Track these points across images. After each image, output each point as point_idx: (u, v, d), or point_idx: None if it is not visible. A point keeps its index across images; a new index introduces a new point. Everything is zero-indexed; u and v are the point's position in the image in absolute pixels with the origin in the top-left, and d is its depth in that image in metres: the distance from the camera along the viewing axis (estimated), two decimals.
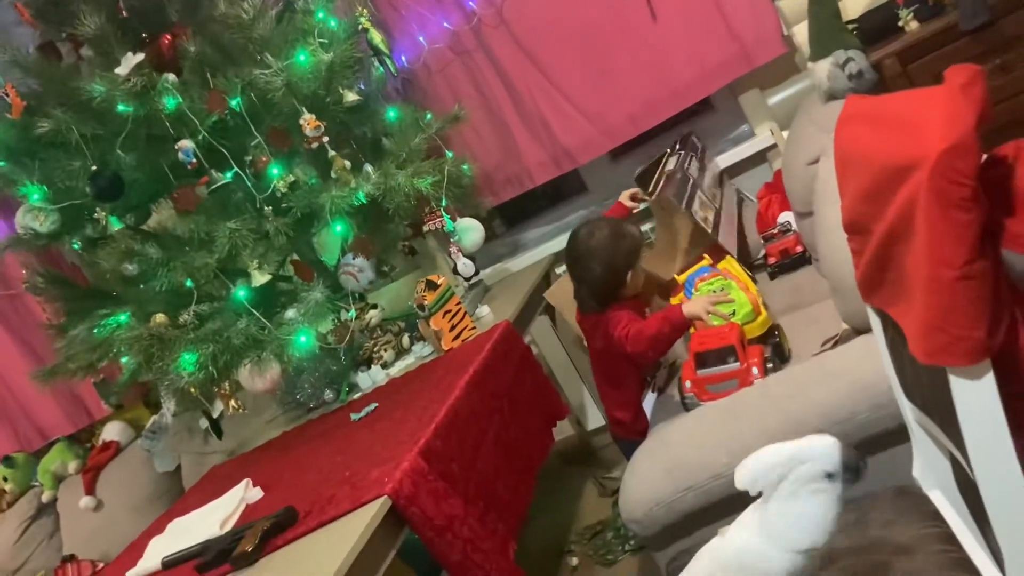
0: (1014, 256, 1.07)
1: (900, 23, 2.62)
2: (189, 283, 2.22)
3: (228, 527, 1.89)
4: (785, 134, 2.97)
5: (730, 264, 2.33)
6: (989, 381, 1.02)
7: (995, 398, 1.03)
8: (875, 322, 1.44)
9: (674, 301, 2.19)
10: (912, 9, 2.59)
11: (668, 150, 2.80)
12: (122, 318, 2.25)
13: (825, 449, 1.19)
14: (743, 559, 1.25)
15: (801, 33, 2.83)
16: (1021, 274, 1.14)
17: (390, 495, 1.58)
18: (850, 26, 2.67)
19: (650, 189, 2.55)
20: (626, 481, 1.74)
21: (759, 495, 1.25)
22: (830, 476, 1.18)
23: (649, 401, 2.33)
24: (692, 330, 2.08)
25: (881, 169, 1.15)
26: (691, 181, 2.62)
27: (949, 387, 1.08)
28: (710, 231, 2.50)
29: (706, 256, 2.33)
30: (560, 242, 3.19)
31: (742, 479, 1.23)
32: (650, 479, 1.69)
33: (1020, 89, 2.47)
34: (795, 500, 1.18)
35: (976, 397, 1.04)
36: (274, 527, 1.68)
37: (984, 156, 1.03)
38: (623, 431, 2.38)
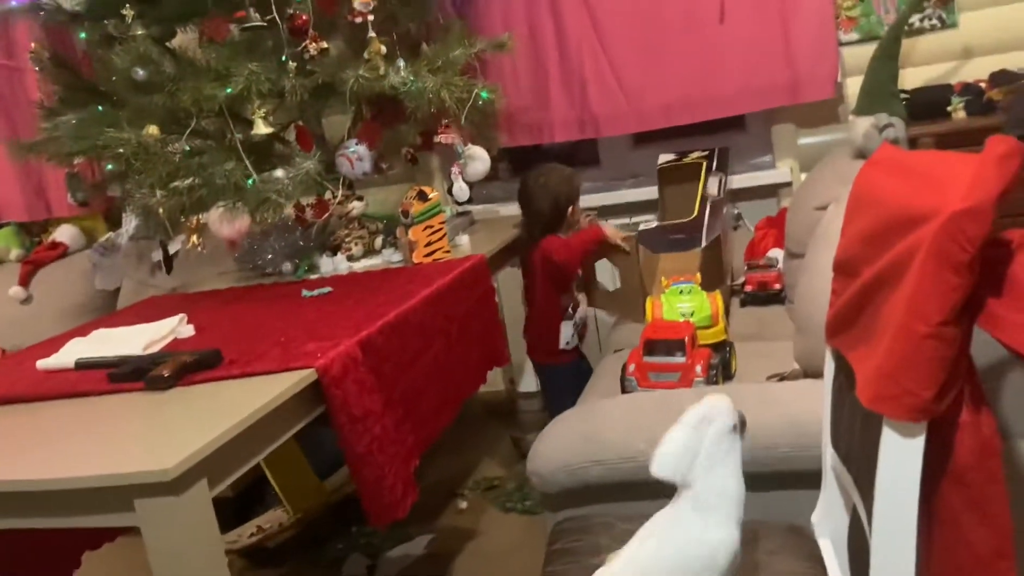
0: (983, 338, 1.09)
1: (949, 108, 2.64)
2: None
3: (151, 351, 1.88)
4: (803, 176, 2.99)
5: None
6: (919, 442, 1.04)
7: (918, 460, 1.05)
8: (829, 364, 1.46)
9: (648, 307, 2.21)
10: (965, 99, 2.61)
11: (704, 160, 2.78)
12: (115, 118, 2.21)
13: (724, 404, 1.24)
14: (688, 553, 1.22)
15: (853, 86, 2.84)
16: (982, 357, 1.16)
17: (318, 370, 1.58)
18: (902, 95, 2.68)
19: (696, 214, 2.53)
20: (542, 436, 1.76)
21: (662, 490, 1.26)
22: (733, 429, 1.23)
23: (566, 328, 2.70)
24: (648, 319, 2.11)
25: (892, 215, 1.16)
26: (723, 212, 2.60)
27: (879, 438, 1.10)
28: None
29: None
30: None
31: (663, 469, 1.23)
32: (565, 441, 1.71)
33: None
34: (717, 468, 1.21)
35: (902, 454, 1.06)
36: (196, 363, 1.67)
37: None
38: (540, 354, 2.82)
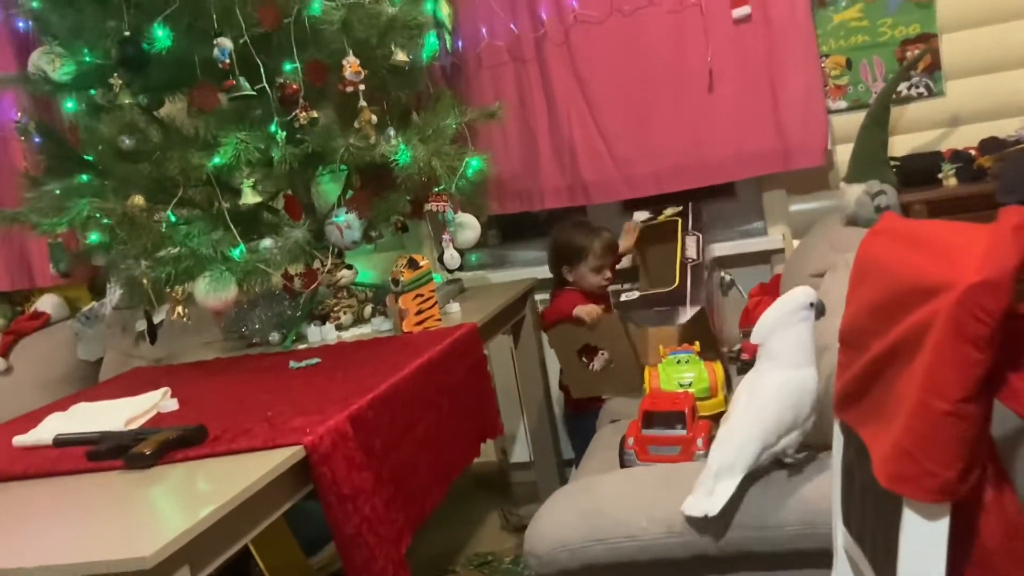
0: (1004, 413, 1.05)
1: (940, 175, 2.64)
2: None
3: (133, 426, 1.81)
4: (795, 243, 2.98)
5: None
6: (943, 525, 1.00)
7: (943, 544, 1.00)
8: (838, 440, 1.41)
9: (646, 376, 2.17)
10: (956, 166, 2.61)
11: (679, 218, 2.78)
12: (100, 188, 2.17)
13: (807, 289, 1.55)
14: (781, 392, 1.54)
15: (843, 153, 2.84)
16: (1002, 432, 1.12)
17: (307, 447, 1.52)
18: (892, 162, 2.68)
19: (677, 282, 2.51)
20: (540, 514, 1.69)
21: None
22: (811, 306, 1.52)
23: None
24: (646, 389, 2.06)
25: (901, 286, 1.12)
26: (704, 277, 2.57)
27: (899, 519, 1.05)
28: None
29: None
30: (547, 271, 3.16)
31: (761, 333, 1.57)
32: (564, 519, 1.65)
33: None
34: (789, 328, 1.53)
35: (925, 537, 1.01)
36: (180, 439, 1.61)
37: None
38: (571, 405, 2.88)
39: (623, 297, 2.56)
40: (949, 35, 2.82)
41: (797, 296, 1.53)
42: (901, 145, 2.87)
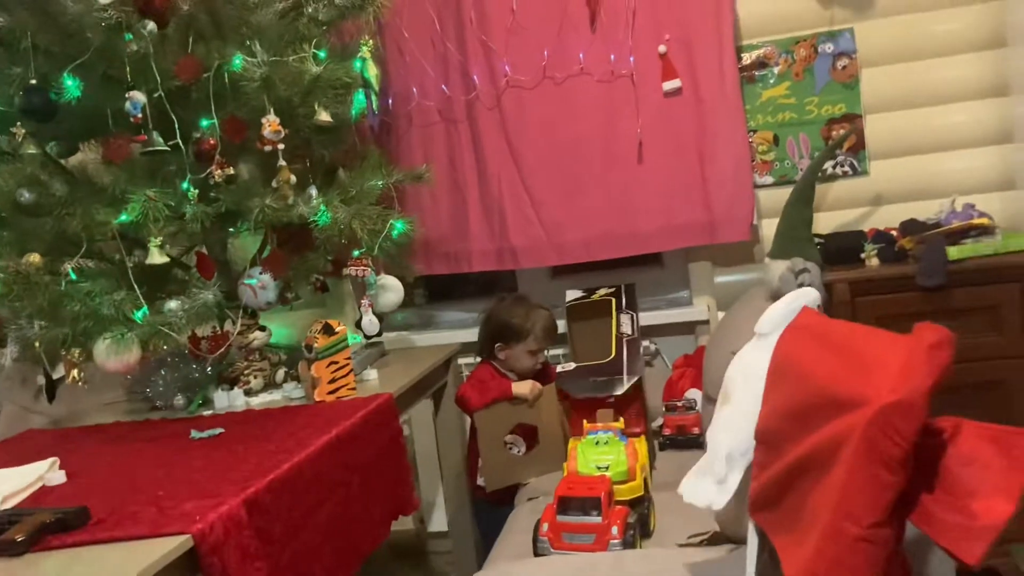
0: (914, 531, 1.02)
1: (863, 255, 2.66)
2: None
3: (10, 504, 1.68)
4: (720, 314, 2.97)
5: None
6: None
7: None
8: (753, 540, 1.36)
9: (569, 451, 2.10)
10: (878, 247, 2.64)
11: (612, 298, 2.74)
12: None
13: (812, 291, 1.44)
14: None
15: (768, 227, 2.86)
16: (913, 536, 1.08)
17: (195, 536, 1.41)
18: (817, 239, 2.70)
19: (614, 354, 2.44)
20: None
21: None
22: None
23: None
24: (564, 473, 2.00)
25: (818, 393, 1.09)
26: (639, 352, 2.52)
27: None
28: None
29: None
30: (472, 335, 3.09)
31: (768, 325, 1.41)
32: None
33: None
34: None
35: None
36: (58, 523, 1.49)
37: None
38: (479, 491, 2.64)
39: (559, 368, 2.50)
40: (873, 116, 2.87)
41: (808, 293, 1.48)
42: (826, 222, 2.90)
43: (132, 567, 1.32)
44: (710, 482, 1.40)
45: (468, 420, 2.67)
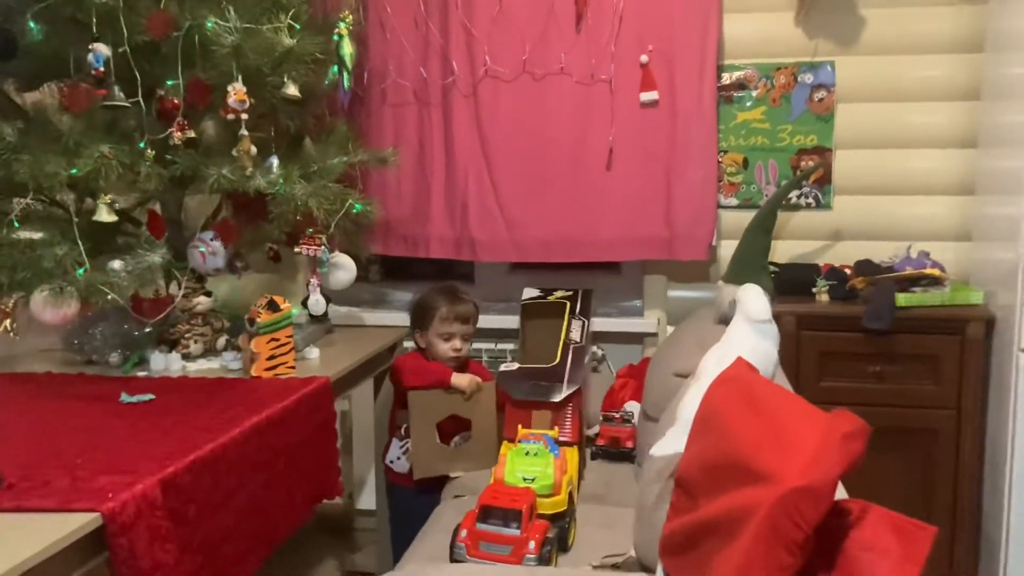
0: None
1: (814, 289, 2.69)
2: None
3: None
4: (669, 328, 2.99)
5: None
6: None
7: None
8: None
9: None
10: (830, 284, 2.67)
11: (568, 302, 2.73)
12: None
13: None
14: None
15: (727, 247, 2.88)
16: None
17: (105, 515, 1.39)
18: (772, 267, 2.72)
19: (558, 360, 2.44)
20: None
21: None
22: None
23: (394, 447, 2.61)
24: (492, 478, 2.01)
25: (735, 456, 1.10)
26: (584, 361, 2.52)
27: None
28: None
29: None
30: None
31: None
32: None
33: (885, 401, 2.56)
34: None
35: None
36: None
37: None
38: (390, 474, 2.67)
39: (502, 367, 2.49)
40: (843, 151, 2.89)
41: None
42: (783, 250, 2.92)
43: (35, 542, 1.30)
44: (679, 433, 1.48)
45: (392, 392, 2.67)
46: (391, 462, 2.62)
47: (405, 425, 2.54)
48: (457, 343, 2.57)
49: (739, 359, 1.38)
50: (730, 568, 0.98)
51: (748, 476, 1.02)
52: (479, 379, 2.51)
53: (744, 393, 1.24)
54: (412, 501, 2.52)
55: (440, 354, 2.56)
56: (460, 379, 2.49)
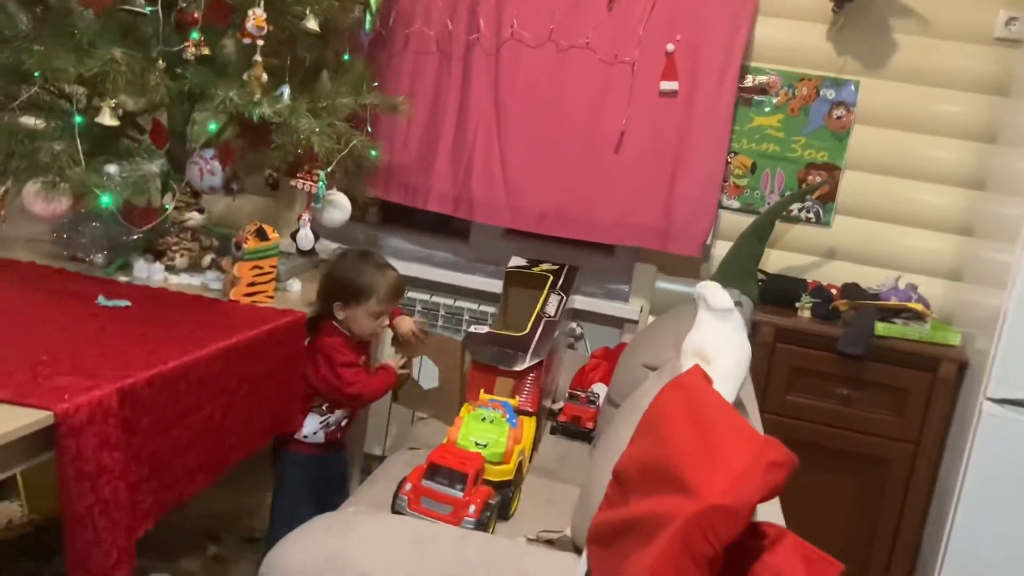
0: None
1: (798, 304, 2.70)
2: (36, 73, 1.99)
3: None
4: (651, 318, 3.01)
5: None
6: None
7: None
8: (582, 569, 1.41)
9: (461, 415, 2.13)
10: (814, 301, 2.68)
11: (551, 275, 2.75)
12: None
13: None
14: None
15: (721, 249, 2.89)
16: None
17: (57, 415, 1.42)
18: (760, 275, 2.74)
19: (527, 331, 2.46)
20: (287, 542, 1.64)
21: None
22: None
23: (311, 420, 2.34)
24: (445, 440, 2.04)
25: (666, 463, 1.12)
26: (554, 336, 2.53)
27: None
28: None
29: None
30: (413, 268, 3.11)
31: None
32: (307, 558, 1.59)
33: (847, 425, 2.59)
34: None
35: None
36: None
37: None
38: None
39: (472, 328, 2.52)
40: (852, 172, 2.89)
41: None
42: (775, 260, 2.93)
43: None
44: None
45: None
46: (304, 437, 2.36)
47: (326, 404, 2.37)
48: (385, 320, 2.39)
49: (696, 367, 1.40)
50: (641, 569, 1.01)
51: (675, 484, 1.04)
52: (412, 321, 2.52)
53: (691, 402, 1.26)
54: (312, 466, 2.42)
55: (364, 330, 2.34)
56: (402, 323, 2.50)
